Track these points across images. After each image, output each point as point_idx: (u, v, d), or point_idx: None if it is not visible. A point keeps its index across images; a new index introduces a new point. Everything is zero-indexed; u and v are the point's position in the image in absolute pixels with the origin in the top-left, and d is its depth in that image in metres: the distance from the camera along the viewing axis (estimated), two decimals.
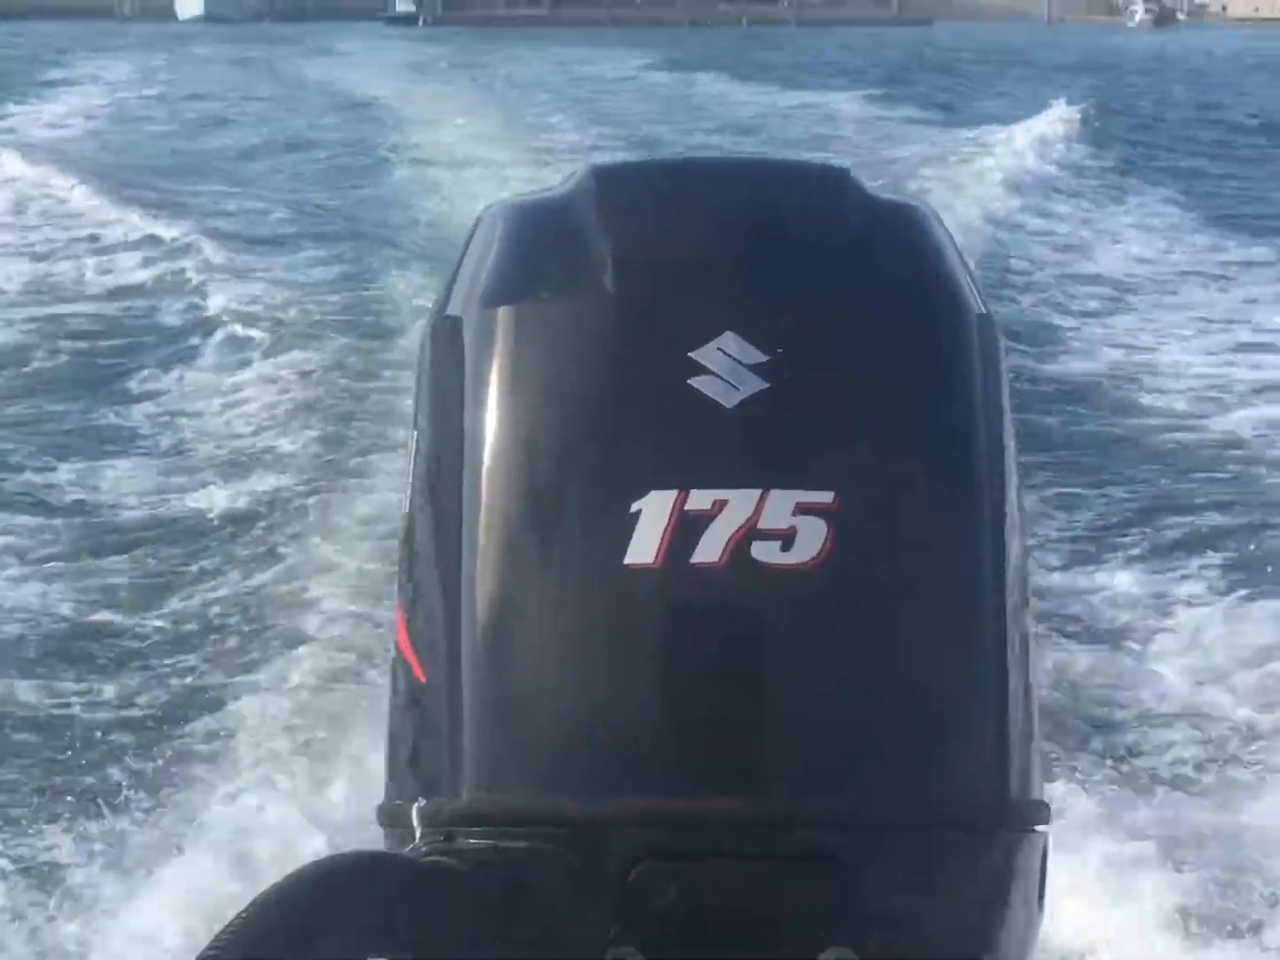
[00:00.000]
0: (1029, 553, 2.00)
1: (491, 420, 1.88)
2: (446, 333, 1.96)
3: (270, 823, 6.21)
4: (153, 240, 19.88)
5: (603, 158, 27.26)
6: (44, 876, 6.17)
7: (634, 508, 1.80)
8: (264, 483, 10.80)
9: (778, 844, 1.78)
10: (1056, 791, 5.98)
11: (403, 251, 19.66)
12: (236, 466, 11.21)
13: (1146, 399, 13.56)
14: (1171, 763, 7.02)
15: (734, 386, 1.82)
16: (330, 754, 6.62)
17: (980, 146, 28.00)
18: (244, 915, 1.46)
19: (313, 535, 9.62)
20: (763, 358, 1.83)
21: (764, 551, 1.79)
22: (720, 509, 1.79)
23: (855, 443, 1.86)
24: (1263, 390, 14.02)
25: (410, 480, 1.99)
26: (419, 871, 1.75)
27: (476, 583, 1.86)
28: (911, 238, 2.01)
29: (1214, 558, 9.47)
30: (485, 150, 29.50)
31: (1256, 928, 5.83)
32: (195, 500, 10.52)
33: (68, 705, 7.61)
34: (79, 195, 23.11)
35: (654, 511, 1.80)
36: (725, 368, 1.83)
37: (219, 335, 14.98)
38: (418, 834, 1.84)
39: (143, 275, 18.36)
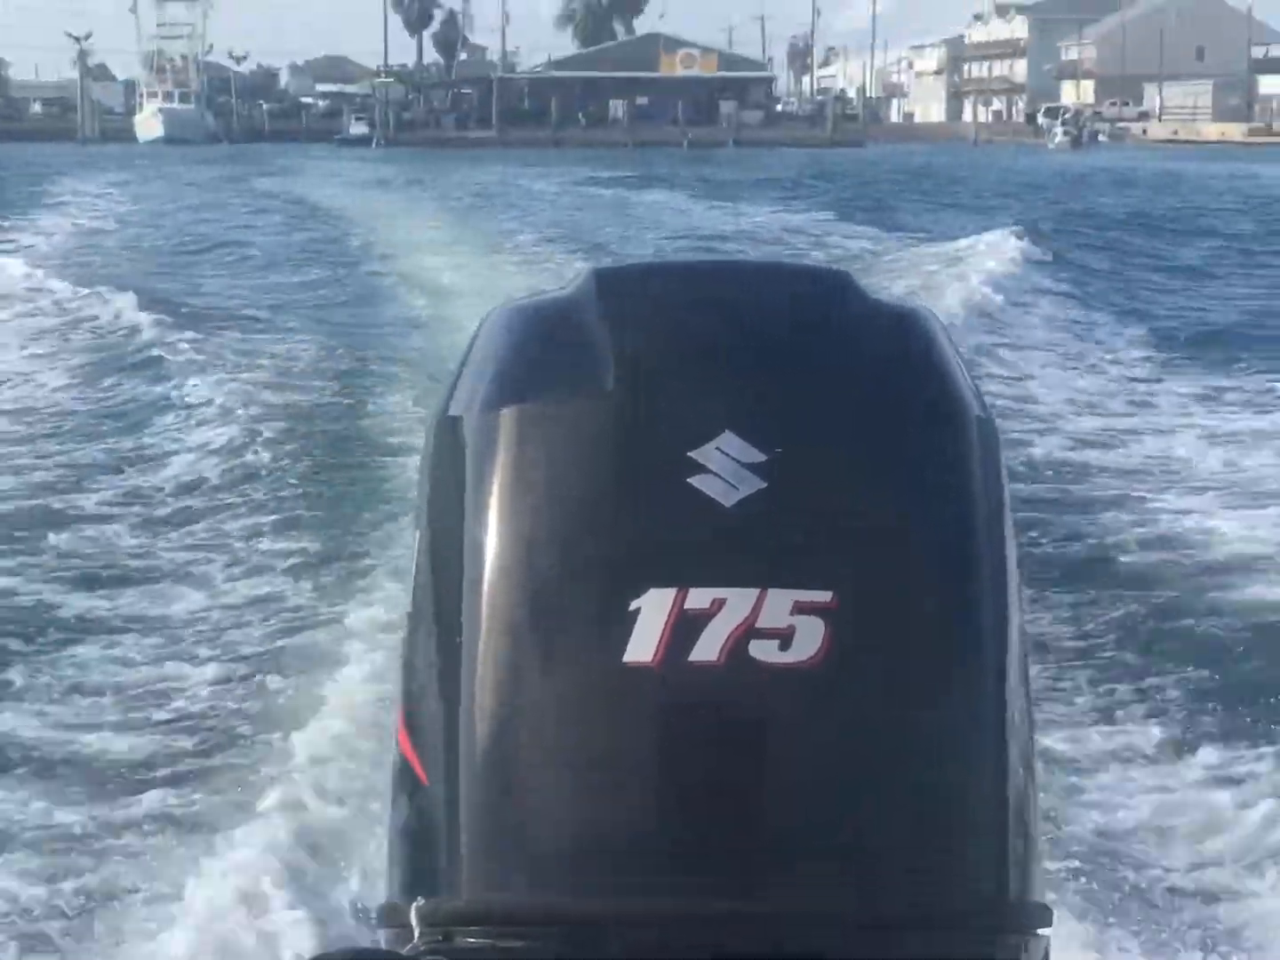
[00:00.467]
0: (1029, 656, 1.99)
1: (492, 520, 1.89)
2: (449, 433, 1.97)
3: (268, 915, 6.05)
4: (145, 336, 20.42)
5: (558, 258, 31.12)
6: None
7: (633, 606, 1.80)
8: (263, 588, 10.37)
9: (776, 945, 1.77)
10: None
11: (394, 354, 20.00)
12: (238, 567, 10.87)
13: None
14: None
15: (733, 486, 1.83)
16: (334, 855, 6.44)
17: (924, 256, 29.37)
18: None
19: (319, 636, 9.27)
20: (762, 457, 1.84)
21: (762, 650, 1.78)
22: (719, 607, 1.79)
23: (853, 543, 1.85)
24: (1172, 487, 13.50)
25: (413, 580, 1.99)
26: None
27: (476, 683, 1.86)
28: (912, 341, 2.00)
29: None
30: (450, 251, 32.09)
31: None
32: (190, 599, 10.13)
33: (55, 812, 7.09)
34: (87, 300, 23.93)
35: (653, 610, 1.80)
36: (725, 467, 1.83)
37: (220, 435, 14.83)
38: (416, 933, 1.84)
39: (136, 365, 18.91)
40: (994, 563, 1.93)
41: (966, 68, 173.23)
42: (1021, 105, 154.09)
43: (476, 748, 1.86)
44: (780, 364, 1.93)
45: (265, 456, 13.80)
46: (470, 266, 28.88)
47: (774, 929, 1.78)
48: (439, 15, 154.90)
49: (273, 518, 11.97)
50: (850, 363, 1.95)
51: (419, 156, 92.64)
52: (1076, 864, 6.41)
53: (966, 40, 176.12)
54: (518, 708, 1.85)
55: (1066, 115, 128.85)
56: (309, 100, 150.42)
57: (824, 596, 1.81)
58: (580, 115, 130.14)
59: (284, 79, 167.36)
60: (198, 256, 33.11)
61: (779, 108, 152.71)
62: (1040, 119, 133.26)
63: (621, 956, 1.79)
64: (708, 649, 1.79)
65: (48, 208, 45.20)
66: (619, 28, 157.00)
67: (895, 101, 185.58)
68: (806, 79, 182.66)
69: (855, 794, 1.82)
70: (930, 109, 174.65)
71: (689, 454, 1.84)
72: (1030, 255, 28.55)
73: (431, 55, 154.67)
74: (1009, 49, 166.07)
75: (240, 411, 15.61)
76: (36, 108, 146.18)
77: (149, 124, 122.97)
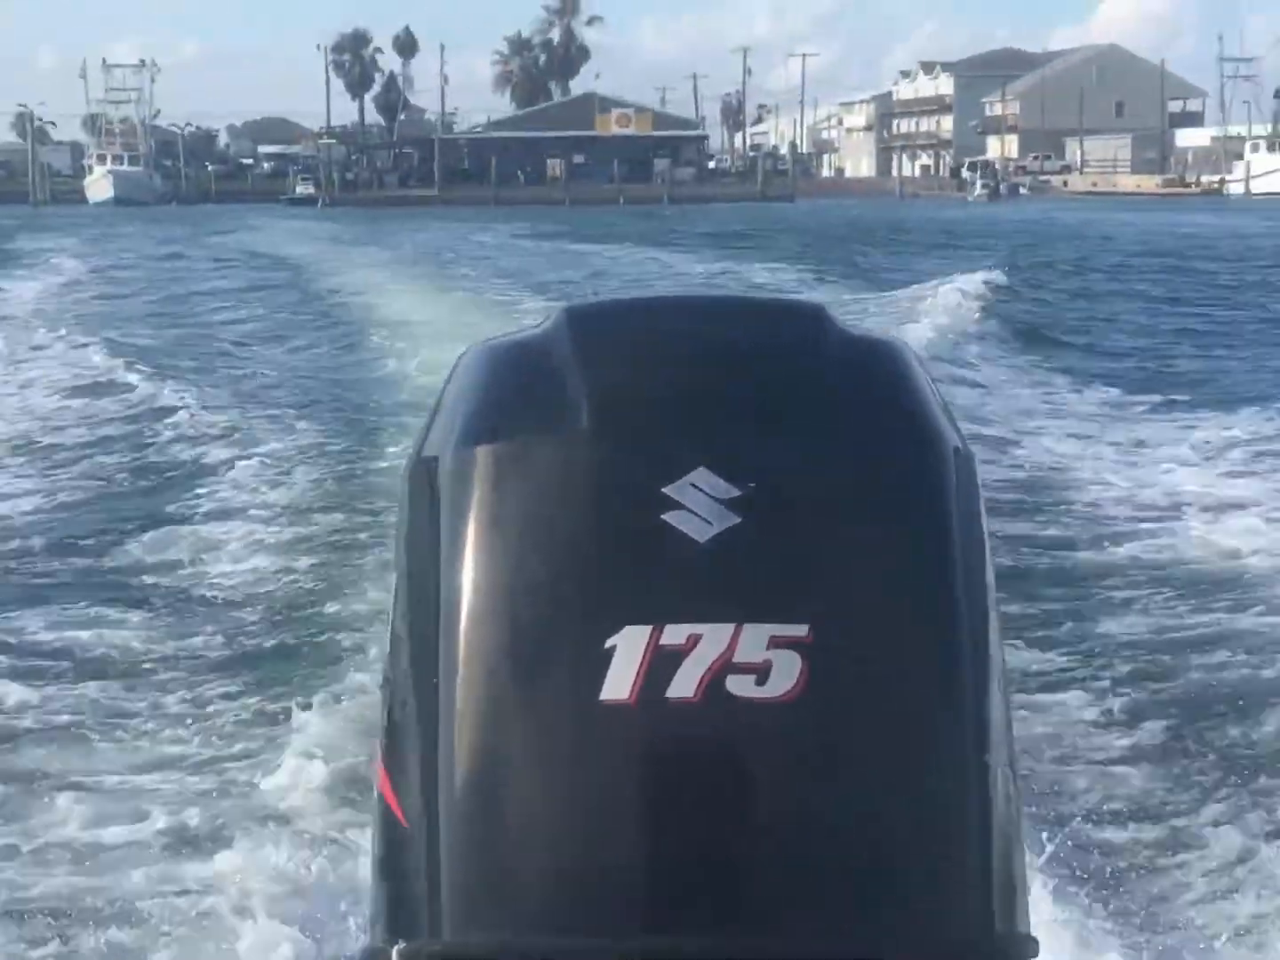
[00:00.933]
0: (1010, 687, 1.98)
1: (466, 560, 1.88)
2: (424, 473, 1.96)
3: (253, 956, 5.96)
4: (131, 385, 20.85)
5: (505, 299, 34.17)
6: None
7: (609, 644, 1.80)
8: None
9: None
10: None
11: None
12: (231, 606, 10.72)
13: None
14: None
15: (707, 521, 1.83)
16: (321, 898, 6.33)
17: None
18: None
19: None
20: (736, 493, 1.84)
21: (738, 686, 1.78)
22: (695, 644, 1.79)
23: (829, 576, 1.85)
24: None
25: (391, 621, 1.99)
26: None
27: (454, 724, 1.85)
28: (886, 373, 2.00)
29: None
30: (409, 295, 34.82)
31: None
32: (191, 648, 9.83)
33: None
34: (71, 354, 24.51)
35: (629, 648, 1.79)
36: (699, 503, 1.83)
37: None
38: None
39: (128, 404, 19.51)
40: (972, 595, 1.91)
41: (895, 123, 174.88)
42: (948, 160, 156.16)
43: (454, 789, 1.85)
44: (755, 398, 1.91)
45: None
46: (436, 304, 31.49)
47: None
48: (379, 78, 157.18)
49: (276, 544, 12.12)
50: (825, 396, 1.93)
51: (366, 216, 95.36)
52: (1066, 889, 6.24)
53: (895, 97, 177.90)
54: (494, 748, 1.85)
55: (986, 170, 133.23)
56: (249, 161, 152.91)
57: (800, 630, 1.80)
58: (519, 174, 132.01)
59: (221, 140, 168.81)
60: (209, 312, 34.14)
61: (711, 165, 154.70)
62: (964, 173, 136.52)
63: None
64: (684, 685, 1.78)
65: (30, 266, 47.72)
66: (555, 89, 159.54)
67: (827, 157, 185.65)
68: (739, 136, 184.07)
69: (834, 829, 1.81)
70: (861, 164, 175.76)
71: (663, 490, 1.83)
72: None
73: (372, 116, 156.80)
74: (935, 105, 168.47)
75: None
76: None
77: (99, 185, 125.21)
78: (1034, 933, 1.94)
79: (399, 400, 19.08)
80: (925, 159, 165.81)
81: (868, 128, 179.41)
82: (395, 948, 1.88)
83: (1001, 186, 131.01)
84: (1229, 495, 14.07)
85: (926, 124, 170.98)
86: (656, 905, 1.80)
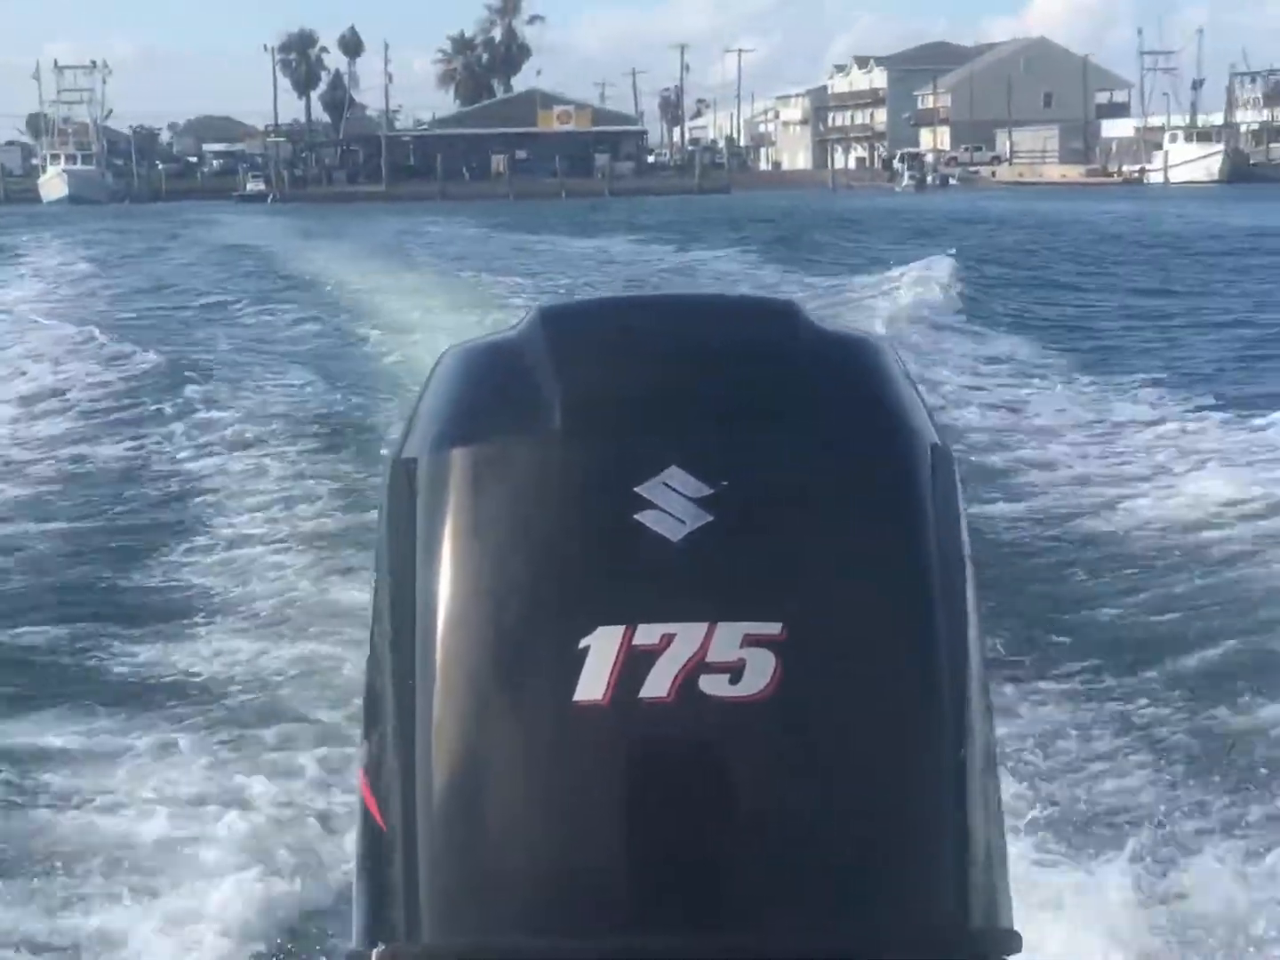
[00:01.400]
0: (989, 679, 1.97)
1: (443, 562, 1.89)
2: (403, 475, 1.97)
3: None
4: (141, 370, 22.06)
5: (466, 277, 37.65)
6: None
7: (582, 644, 1.80)
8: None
9: None
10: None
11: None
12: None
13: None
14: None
15: (680, 521, 1.82)
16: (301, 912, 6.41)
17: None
18: None
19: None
20: (709, 491, 1.83)
21: (712, 685, 1.78)
22: (668, 643, 1.79)
23: (802, 575, 1.85)
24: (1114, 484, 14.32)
25: (371, 625, 2.00)
26: None
27: (431, 726, 1.86)
28: (861, 370, 1.99)
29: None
30: (375, 277, 38.38)
31: None
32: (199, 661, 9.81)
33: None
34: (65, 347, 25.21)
35: (602, 648, 1.79)
36: (672, 502, 1.83)
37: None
38: None
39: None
40: (949, 591, 1.91)
41: (830, 117, 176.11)
42: (881, 152, 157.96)
43: (431, 791, 1.86)
44: (728, 396, 1.91)
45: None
46: (401, 284, 34.64)
47: None
48: (325, 77, 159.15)
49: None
50: (799, 393, 1.92)
51: (318, 211, 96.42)
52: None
53: (830, 91, 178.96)
54: (470, 750, 1.85)
55: (913, 161, 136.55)
56: (194, 159, 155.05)
57: (774, 629, 1.79)
58: (464, 170, 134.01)
59: (164, 138, 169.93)
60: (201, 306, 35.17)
61: (650, 159, 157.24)
62: (896, 164, 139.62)
63: None
64: (658, 685, 1.78)
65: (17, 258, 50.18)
66: (498, 86, 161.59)
67: (764, 150, 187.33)
68: (678, 130, 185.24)
69: (811, 826, 1.81)
70: (797, 157, 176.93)
71: (636, 490, 1.83)
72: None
73: (317, 114, 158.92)
74: (869, 98, 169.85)
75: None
76: None
77: (53, 184, 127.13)
78: (1018, 928, 1.93)
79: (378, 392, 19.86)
80: (860, 151, 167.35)
81: (804, 121, 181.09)
82: (375, 951, 1.88)
83: (932, 177, 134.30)
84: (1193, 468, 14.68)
85: (861, 117, 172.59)
86: (634, 906, 1.80)
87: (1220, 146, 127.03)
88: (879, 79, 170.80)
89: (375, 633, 1.99)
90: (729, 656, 1.80)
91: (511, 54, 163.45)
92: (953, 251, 38.62)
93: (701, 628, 1.80)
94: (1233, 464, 15.01)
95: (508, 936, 1.83)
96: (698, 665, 1.80)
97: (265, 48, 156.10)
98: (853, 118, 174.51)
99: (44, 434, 18.25)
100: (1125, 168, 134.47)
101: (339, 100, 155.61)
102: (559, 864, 1.82)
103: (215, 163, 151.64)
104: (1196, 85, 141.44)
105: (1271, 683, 8.91)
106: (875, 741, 1.86)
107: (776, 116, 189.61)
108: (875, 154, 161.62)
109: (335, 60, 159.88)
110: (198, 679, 9.50)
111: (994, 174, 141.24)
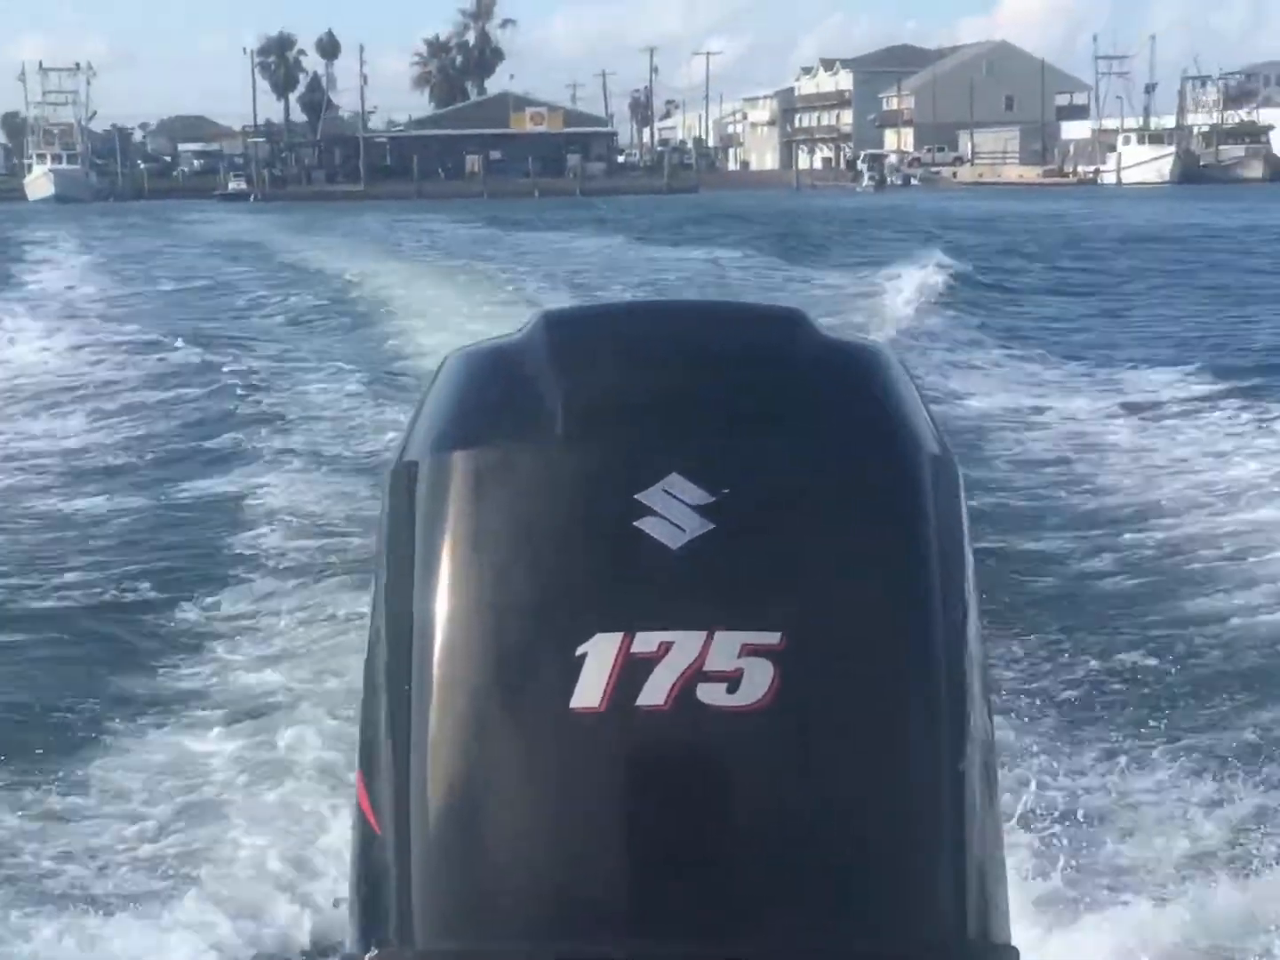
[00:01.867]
0: (991, 692, 1.97)
1: (442, 565, 1.90)
2: (404, 478, 1.98)
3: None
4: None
5: (443, 265, 40.97)
6: None
7: (580, 651, 1.81)
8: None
9: None
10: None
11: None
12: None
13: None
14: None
15: (679, 528, 1.84)
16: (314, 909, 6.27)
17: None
18: None
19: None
20: (709, 499, 1.84)
21: (709, 694, 1.80)
22: (666, 651, 1.80)
23: (801, 583, 1.85)
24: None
25: (369, 626, 2.01)
26: None
27: (427, 730, 1.88)
28: (864, 378, 1.99)
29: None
30: (368, 261, 41.81)
31: None
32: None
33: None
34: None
35: (600, 655, 1.81)
36: (671, 510, 1.85)
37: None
38: None
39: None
40: (949, 601, 1.90)
41: (797, 118, 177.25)
42: (846, 152, 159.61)
43: (426, 795, 1.87)
44: (730, 404, 1.91)
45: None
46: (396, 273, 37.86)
47: None
48: (303, 79, 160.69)
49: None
50: (799, 401, 1.93)
51: (301, 209, 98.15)
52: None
53: (796, 92, 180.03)
54: (466, 755, 1.86)
55: (874, 162, 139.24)
56: (168, 159, 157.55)
57: (772, 638, 1.80)
58: (440, 170, 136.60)
59: (136, 137, 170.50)
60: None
61: (620, 159, 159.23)
62: (859, 165, 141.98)
63: None
64: (655, 693, 1.79)
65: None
66: (472, 89, 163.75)
67: (733, 150, 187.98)
68: (647, 131, 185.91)
69: (807, 837, 1.83)
70: (765, 157, 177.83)
71: (636, 496, 1.84)
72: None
73: (295, 115, 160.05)
74: (835, 100, 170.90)
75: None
76: None
77: (39, 183, 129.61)
78: (1016, 943, 1.93)
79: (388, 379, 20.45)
80: (826, 152, 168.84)
81: (771, 122, 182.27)
82: (369, 955, 1.89)
83: (895, 177, 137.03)
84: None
85: (827, 118, 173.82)
86: (625, 910, 1.81)
87: (1172, 149, 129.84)
88: (845, 81, 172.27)
89: (372, 634, 2.00)
90: (727, 665, 1.81)
91: (485, 57, 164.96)
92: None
93: (700, 636, 1.81)
94: (1261, 455, 14.89)
95: (500, 941, 1.84)
96: (695, 674, 1.81)
97: (245, 50, 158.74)
98: (819, 119, 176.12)
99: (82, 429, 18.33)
100: (1081, 169, 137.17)
101: (316, 102, 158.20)
102: (552, 869, 1.85)
103: (196, 162, 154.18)
104: (1149, 89, 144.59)
105: None
106: (872, 754, 1.87)
107: (745, 118, 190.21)
108: (841, 155, 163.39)
109: (312, 63, 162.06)
110: (200, 677, 9.37)
111: (955, 175, 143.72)
